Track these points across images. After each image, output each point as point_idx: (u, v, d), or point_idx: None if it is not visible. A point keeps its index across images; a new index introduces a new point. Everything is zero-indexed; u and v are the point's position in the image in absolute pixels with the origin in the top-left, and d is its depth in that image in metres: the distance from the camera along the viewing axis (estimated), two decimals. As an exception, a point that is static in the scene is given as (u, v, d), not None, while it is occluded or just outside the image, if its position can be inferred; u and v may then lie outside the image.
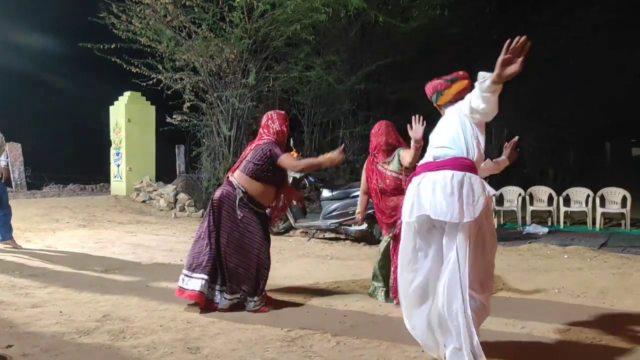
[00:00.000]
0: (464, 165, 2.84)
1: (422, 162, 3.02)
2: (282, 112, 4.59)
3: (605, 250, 7.42)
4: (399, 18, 12.43)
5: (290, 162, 4.33)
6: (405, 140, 4.50)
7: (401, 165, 4.48)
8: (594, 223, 10.11)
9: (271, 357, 3.20)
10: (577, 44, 16.07)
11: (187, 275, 4.22)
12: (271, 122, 4.45)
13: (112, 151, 13.44)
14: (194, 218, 10.99)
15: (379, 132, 4.60)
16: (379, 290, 4.64)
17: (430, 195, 2.80)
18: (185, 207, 11.56)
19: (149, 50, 11.62)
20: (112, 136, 13.47)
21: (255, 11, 10.98)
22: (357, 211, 4.99)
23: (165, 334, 3.61)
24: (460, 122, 2.91)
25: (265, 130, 4.44)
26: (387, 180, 4.52)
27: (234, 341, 3.46)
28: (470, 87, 2.93)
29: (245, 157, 4.38)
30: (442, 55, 14.86)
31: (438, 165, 2.87)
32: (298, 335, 3.60)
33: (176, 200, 11.74)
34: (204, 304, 4.14)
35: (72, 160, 18.06)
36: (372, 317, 4.05)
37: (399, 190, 4.42)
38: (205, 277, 4.13)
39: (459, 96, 3.05)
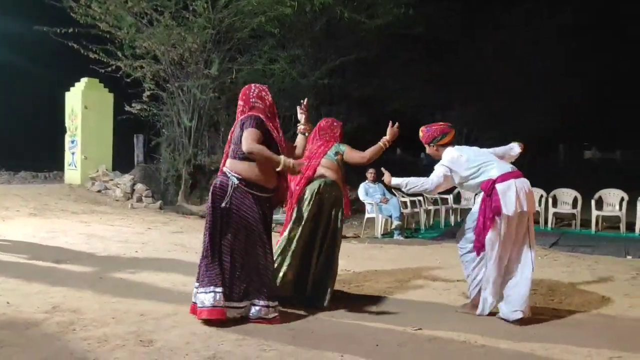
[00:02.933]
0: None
1: (503, 172, 4.04)
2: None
3: (556, 249, 7.68)
4: (364, 15, 12.47)
5: (249, 137, 3.65)
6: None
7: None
8: (546, 222, 10.44)
9: (226, 350, 3.17)
10: (539, 49, 16.61)
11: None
12: (264, 93, 3.92)
13: (67, 139, 13.02)
14: (151, 209, 10.78)
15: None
16: None
17: (523, 196, 3.95)
18: (143, 197, 11.33)
19: (108, 36, 11.30)
20: (67, 123, 13.04)
21: (219, 1, 10.83)
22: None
23: (118, 326, 3.53)
24: None
25: (259, 102, 3.89)
26: None
27: (188, 334, 3.42)
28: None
29: (230, 140, 3.88)
30: (407, 53, 15.06)
31: (519, 175, 4.05)
32: (254, 328, 3.58)
33: (133, 190, 11.49)
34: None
35: (24, 147, 17.43)
36: (331, 313, 4.06)
37: None
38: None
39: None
